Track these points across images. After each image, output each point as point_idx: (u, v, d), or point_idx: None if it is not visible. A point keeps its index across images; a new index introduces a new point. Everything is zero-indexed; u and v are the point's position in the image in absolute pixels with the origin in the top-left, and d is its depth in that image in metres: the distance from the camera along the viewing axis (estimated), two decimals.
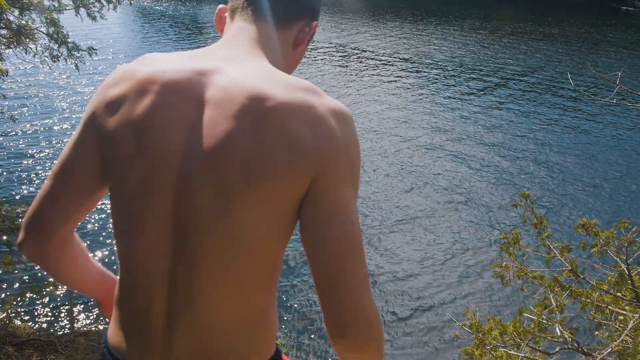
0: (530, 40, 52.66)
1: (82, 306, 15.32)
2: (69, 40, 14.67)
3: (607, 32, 56.17)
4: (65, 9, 14.31)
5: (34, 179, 23.01)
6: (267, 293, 1.42)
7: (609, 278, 6.35)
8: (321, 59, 46.19)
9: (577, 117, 29.25)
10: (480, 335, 6.87)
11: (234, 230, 1.24)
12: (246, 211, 1.23)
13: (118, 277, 1.50)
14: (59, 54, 14.27)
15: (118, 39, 53.62)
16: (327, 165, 1.25)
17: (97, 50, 15.70)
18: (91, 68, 42.23)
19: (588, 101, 31.59)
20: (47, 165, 24.58)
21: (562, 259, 6.52)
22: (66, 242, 1.50)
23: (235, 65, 1.32)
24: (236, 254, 1.28)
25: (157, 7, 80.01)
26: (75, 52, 14.35)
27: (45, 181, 1.43)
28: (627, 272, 6.27)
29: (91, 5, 14.01)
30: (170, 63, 1.35)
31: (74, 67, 15.07)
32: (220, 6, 1.68)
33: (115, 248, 1.57)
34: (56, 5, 13.74)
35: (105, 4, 14.31)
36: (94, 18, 14.52)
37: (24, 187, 22.72)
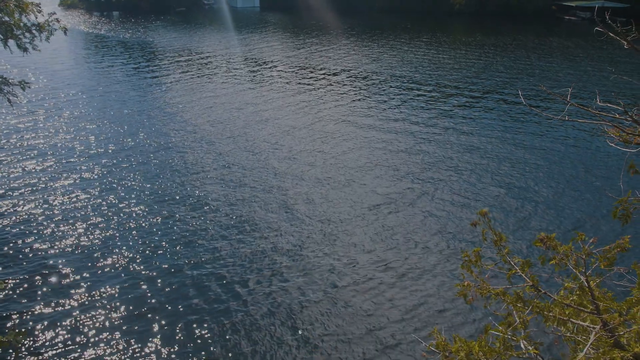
0: (482, 52, 54.12)
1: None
2: None
3: (553, 41, 58.37)
4: None
5: None
6: None
7: (570, 292, 6.34)
8: (278, 78, 46.16)
9: (530, 132, 29.89)
10: (447, 354, 6.77)
11: None
12: None
13: None
14: None
15: (66, 68, 52.00)
16: None
17: (29, 84, 14.99)
18: (33, 101, 40.85)
19: (540, 116, 32.33)
20: None
21: (523, 275, 6.49)
22: None
23: None
24: None
25: (109, 34, 78.48)
26: (5, 87, 13.64)
27: None
28: (586, 284, 6.28)
29: (21, 36, 13.32)
30: None
31: (7, 102, 14.36)
32: None
33: None
34: None
35: (36, 34, 13.61)
36: (25, 49, 13.74)
37: None
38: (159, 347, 14.24)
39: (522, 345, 6.45)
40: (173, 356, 13.92)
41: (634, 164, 5.06)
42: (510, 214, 20.46)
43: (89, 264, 17.92)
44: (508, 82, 40.38)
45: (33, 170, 25.47)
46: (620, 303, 5.87)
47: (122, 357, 13.91)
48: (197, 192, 23.10)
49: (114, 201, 22.30)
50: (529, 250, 17.50)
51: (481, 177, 23.84)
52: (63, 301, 16.06)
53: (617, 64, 45.37)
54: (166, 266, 17.77)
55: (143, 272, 17.49)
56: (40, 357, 13.87)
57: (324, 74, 46.08)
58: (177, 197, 22.59)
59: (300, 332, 14.69)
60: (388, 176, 24.14)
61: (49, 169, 25.64)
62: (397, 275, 16.95)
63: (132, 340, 14.50)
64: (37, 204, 22.05)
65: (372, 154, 26.85)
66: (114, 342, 14.49)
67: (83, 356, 13.97)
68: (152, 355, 13.98)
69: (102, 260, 18.17)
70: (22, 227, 20.29)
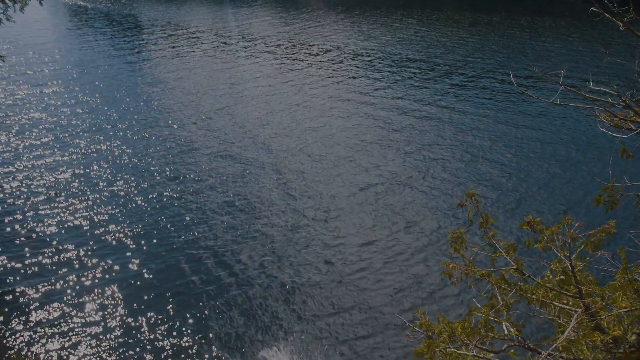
0: (474, 30, 53.68)
1: None
2: None
3: (546, 20, 58.06)
4: None
5: None
6: None
7: (554, 275, 6.36)
8: (267, 55, 45.52)
9: (521, 114, 29.70)
10: (430, 333, 6.81)
11: None
12: None
13: None
14: None
15: (48, 41, 50.61)
16: None
17: (3, 57, 14.71)
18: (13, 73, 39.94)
19: (529, 101, 32.07)
20: None
21: (508, 258, 6.48)
22: None
23: None
24: None
25: (93, 6, 76.48)
26: None
27: None
28: (570, 268, 6.29)
29: None
30: None
31: None
32: None
33: None
34: None
35: (10, 4, 13.28)
36: None
37: None
38: (153, 325, 14.23)
39: (504, 327, 6.49)
40: (166, 333, 13.93)
41: (627, 148, 5.00)
42: (501, 195, 20.55)
43: (79, 242, 17.77)
44: (501, 62, 40.19)
45: (17, 147, 25.02)
46: (603, 287, 5.89)
47: (115, 335, 13.89)
48: (188, 168, 22.87)
49: (102, 178, 22.02)
50: (519, 232, 17.59)
51: (473, 158, 23.85)
52: (51, 279, 15.95)
53: (610, 45, 45.27)
54: (159, 243, 17.69)
55: (135, 249, 17.40)
56: (27, 336, 13.80)
57: (314, 50, 45.54)
58: (168, 173, 22.37)
59: (292, 308, 14.77)
60: (380, 155, 24.06)
61: (33, 145, 25.21)
62: (388, 255, 17.01)
63: (125, 318, 14.48)
64: (23, 181, 21.71)
65: (364, 133, 26.70)
66: (107, 320, 14.45)
67: (73, 335, 13.92)
68: (146, 332, 13.98)
69: (92, 237, 18.00)
70: (8, 204, 20.00)
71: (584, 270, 6.38)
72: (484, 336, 6.42)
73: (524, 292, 6.55)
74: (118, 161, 23.35)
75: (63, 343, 13.48)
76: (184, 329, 14.04)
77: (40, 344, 13.40)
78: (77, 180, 21.57)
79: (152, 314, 14.54)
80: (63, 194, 20.50)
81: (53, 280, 15.72)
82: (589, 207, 19.46)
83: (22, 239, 17.72)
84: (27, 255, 16.84)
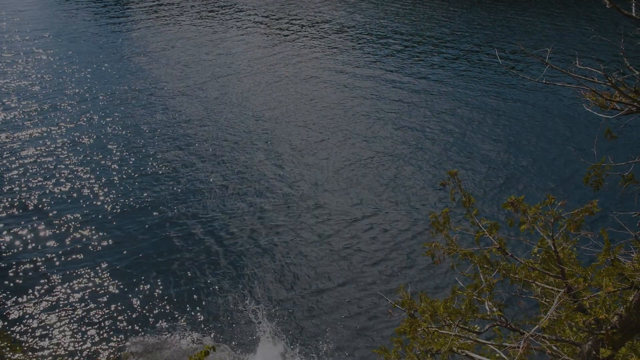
0: (460, 3, 53.16)
1: None
2: None
3: None
4: None
5: None
6: None
7: (540, 254, 6.33)
8: (262, 31, 44.75)
9: (510, 89, 29.51)
10: (412, 312, 6.78)
11: None
12: None
13: None
14: None
15: (33, 8, 49.25)
16: None
17: None
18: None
19: (517, 77, 31.77)
20: None
21: (490, 237, 6.43)
22: None
23: None
24: None
25: None
26: None
27: None
28: (553, 247, 6.26)
29: None
30: None
31: None
32: None
33: None
34: None
35: None
36: None
37: None
38: (142, 298, 14.15)
39: (486, 307, 6.47)
40: (156, 306, 13.86)
41: (611, 128, 4.91)
42: (489, 170, 20.64)
43: (67, 213, 17.53)
44: (488, 36, 39.93)
45: (0, 117, 24.38)
46: (586, 268, 5.86)
47: (105, 307, 13.79)
48: (176, 139, 22.54)
49: (88, 150, 21.59)
50: (507, 212, 17.67)
51: (462, 132, 23.84)
52: (38, 251, 15.72)
53: (594, 21, 45.16)
54: (148, 215, 17.54)
55: (123, 221, 17.23)
56: (15, 307, 13.64)
57: (303, 22, 44.81)
58: (156, 144, 22.03)
59: (281, 282, 14.82)
60: (369, 129, 23.94)
61: (17, 116, 24.55)
62: (376, 230, 17.05)
63: (114, 291, 14.41)
64: (7, 152, 21.22)
65: (353, 106, 26.46)
66: (97, 292, 14.33)
67: (62, 307, 13.77)
68: (135, 305, 13.90)
69: (79, 209, 17.73)
70: None
71: (567, 250, 6.35)
72: (466, 316, 6.40)
73: (507, 272, 6.52)
74: (104, 132, 22.89)
75: (51, 315, 13.34)
76: (174, 301, 13.98)
77: (28, 315, 13.26)
78: (62, 152, 21.13)
79: (141, 287, 14.44)
80: (48, 166, 20.11)
81: (40, 253, 15.50)
82: (576, 184, 19.61)
83: (8, 210, 17.39)
84: (14, 226, 16.54)
